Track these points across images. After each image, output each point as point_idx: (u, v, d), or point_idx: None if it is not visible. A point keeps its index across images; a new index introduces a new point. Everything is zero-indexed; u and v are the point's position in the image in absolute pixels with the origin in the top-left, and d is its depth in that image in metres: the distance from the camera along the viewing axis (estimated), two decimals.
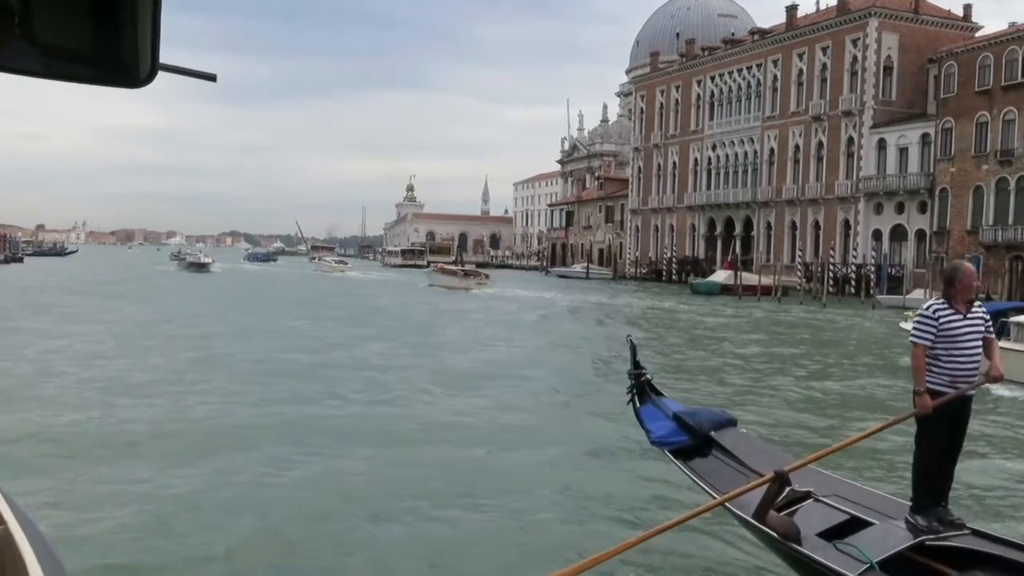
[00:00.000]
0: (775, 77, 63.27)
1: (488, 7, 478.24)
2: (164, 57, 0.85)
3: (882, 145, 55.24)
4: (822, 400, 14.82)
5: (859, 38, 56.24)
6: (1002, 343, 11.91)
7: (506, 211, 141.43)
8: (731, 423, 5.96)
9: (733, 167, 67.20)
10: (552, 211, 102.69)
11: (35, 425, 10.48)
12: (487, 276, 54.76)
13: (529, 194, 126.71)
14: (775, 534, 4.69)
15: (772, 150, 63.34)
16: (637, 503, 7.84)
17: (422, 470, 8.92)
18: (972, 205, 48.69)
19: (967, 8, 57.71)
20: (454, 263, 63.47)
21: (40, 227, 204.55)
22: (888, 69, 55.64)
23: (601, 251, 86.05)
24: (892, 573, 4.40)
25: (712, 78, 69.65)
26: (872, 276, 50.62)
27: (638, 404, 6.06)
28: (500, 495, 8.09)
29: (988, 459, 9.99)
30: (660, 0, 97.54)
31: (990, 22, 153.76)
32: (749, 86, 65.82)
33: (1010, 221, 46.34)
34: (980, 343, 5.03)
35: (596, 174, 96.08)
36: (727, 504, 4.86)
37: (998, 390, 13.61)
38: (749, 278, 52.80)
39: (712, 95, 69.60)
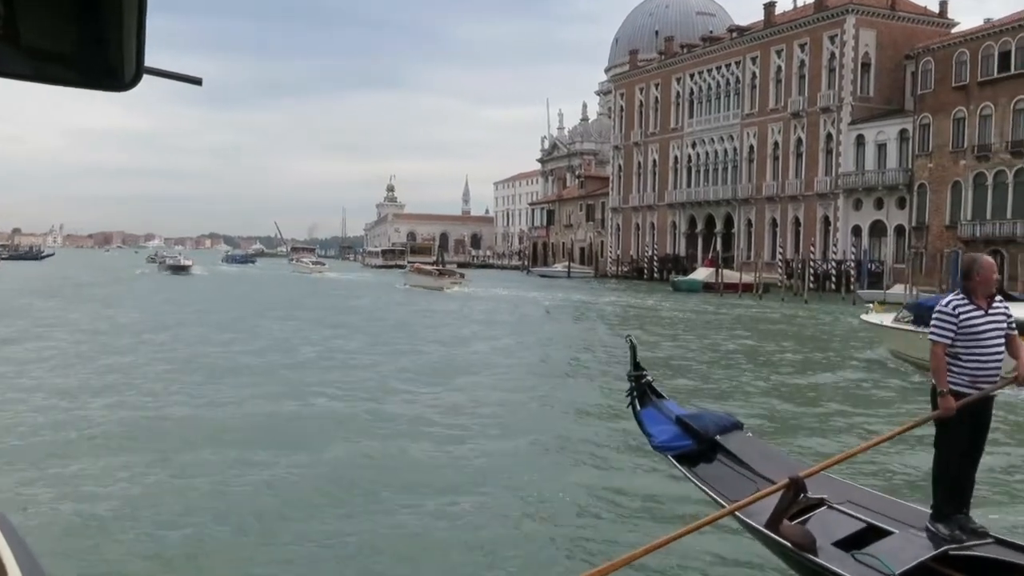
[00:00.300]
0: (754, 74, 63.41)
1: (466, 7, 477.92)
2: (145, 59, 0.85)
3: (861, 141, 55.46)
4: (813, 397, 14.59)
5: (837, 35, 56.45)
6: None
7: (487, 211, 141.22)
8: (737, 427, 5.65)
9: (713, 164, 67.27)
10: (533, 210, 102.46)
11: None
12: (463, 275, 54.79)
13: (510, 193, 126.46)
14: (790, 544, 4.42)
15: (752, 147, 63.46)
16: (635, 510, 7.52)
17: (382, 468, 8.86)
18: (950, 200, 48.99)
19: (943, 5, 58.15)
20: (435, 263, 63.21)
21: (16, 231, 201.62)
22: (866, 66, 55.88)
23: (582, 250, 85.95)
24: None
25: (691, 76, 69.69)
26: (852, 272, 50.81)
27: (638, 407, 5.73)
28: (478, 497, 7.93)
29: (1010, 460, 9.46)
30: None
31: (966, 18, 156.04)
32: (728, 83, 65.93)
33: (988, 216, 46.63)
34: (1003, 340, 4.71)
35: (576, 173, 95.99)
36: (737, 513, 4.58)
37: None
38: (730, 275, 52.73)
39: (691, 93, 69.65)
